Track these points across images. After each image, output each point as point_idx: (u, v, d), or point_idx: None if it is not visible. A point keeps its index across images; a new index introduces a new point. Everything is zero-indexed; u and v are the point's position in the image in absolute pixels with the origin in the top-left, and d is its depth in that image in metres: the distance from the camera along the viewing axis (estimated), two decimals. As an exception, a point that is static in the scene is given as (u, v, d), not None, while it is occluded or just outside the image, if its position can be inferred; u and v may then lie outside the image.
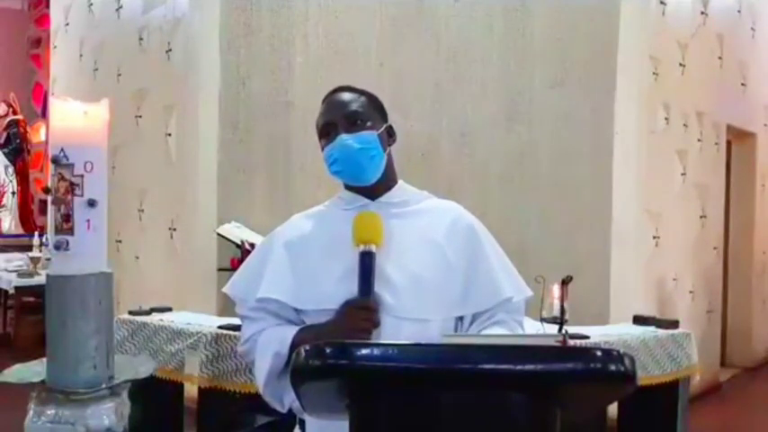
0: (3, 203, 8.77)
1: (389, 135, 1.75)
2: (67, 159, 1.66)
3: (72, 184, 1.66)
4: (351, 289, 1.59)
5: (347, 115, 1.69)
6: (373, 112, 1.73)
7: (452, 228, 1.70)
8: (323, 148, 1.72)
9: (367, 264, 1.58)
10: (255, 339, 1.70)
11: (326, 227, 1.72)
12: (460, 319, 1.68)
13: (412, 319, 1.60)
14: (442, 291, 1.64)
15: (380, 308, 1.58)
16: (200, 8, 4.76)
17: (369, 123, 1.69)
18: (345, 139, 1.66)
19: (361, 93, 1.75)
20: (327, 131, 1.70)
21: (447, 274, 1.65)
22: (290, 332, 1.64)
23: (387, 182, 1.73)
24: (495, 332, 1.64)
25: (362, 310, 1.57)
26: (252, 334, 1.72)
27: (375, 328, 1.57)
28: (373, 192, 1.72)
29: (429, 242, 1.67)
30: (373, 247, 1.58)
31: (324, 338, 1.49)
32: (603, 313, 4.21)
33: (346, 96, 1.73)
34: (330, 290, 1.62)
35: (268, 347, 1.65)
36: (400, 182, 1.77)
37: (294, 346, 1.59)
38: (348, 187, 1.75)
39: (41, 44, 9.26)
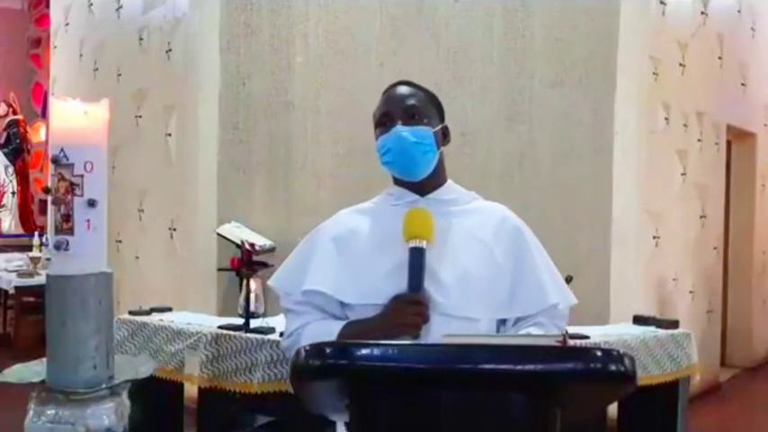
0: (3, 203, 8.77)
1: (444, 136, 1.76)
2: (67, 159, 1.66)
3: (72, 184, 1.66)
4: (399, 284, 1.59)
5: (406, 108, 1.69)
6: (432, 109, 1.74)
7: (500, 228, 1.71)
8: (377, 138, 1.72)
9: (417, 259, 1.58)
10: (300, 333, 1.69)
11: (375, 222, 1.72)
12: (503, 321, 1.69)
13: (460, 317, 1.61)
14: (490, 290, 1.64)
15: (429, 304, 1.58)
16: (200, 8, 4.76)
17: (426, 120, 1.70)
18: (401, 130, 1.67)
19: (422, 89, 1.76)
20: (384, 122, 1.71)
21: (495, 274, 1.65)
22: (337, 326, 1.64)
23: (436, 180, 1.74)
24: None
25: (412, 304, 1.56)
26: (296, 328, 1.71)
27: (424, 323, 1.57)
28: (422, 188, 1.73)
29: (478, 241, 1.68)
30: (424, 243, 1.59)
31: (371, 333, 1.52)
32: (603, 313, 4.21)
33: (407, 90, 1.74)
34: (378, 284, 1.62)
35: (313, 341, 1.64)
36: (449, 181, 1.78)
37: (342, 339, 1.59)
38: (397, 182, 1.76)
39: (41, 44, 9.26)
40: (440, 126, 1.74)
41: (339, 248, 1.69)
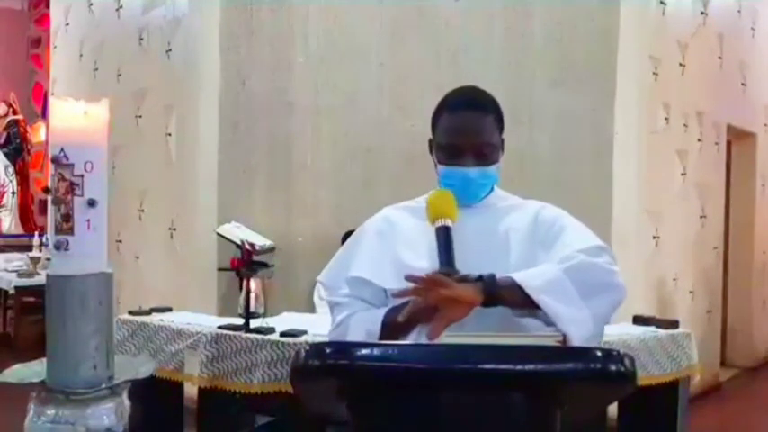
0: (3, 203, 8.77)
1: (501, 150, 1.76)
2: (67, 159, 1.66)
3: (72, 184, 1.65)
4: (436, 266, 1.59)
5: (477, 145, 1.69)
6: (497, 132, 1.73)
7: (534, 221, 1.72)
8: (440, 162, 1.73)
9: (444, 238, 1.59)
10: (347, 323, 1.70)
11: (417, 219, 1.73)
12: None
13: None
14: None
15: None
16: (200, 8, 4.76)
17: (495, 153, 1.71)
18: (470, 173, 1.68)
19: (490, 108, 1.74)
20: (451, 153, 1.70)
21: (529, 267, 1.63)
22: (381, 312, 1.66)
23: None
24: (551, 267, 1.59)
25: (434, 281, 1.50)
26: (343, 318, 1.72)
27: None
28: None
29: (516, 239, 1.69)
30: (449, 221, 1.60)
31: (410, 314, 1.51)
32: (603, 313, 4.20)
33: (477, 119, 1.71)
34: (416, 269, 1.61)
35: (360, 327, 1.66)
36: (496, 188, 1.78)
37: (384, 324, 1.60)
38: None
39: (41, 44, 9.26)
40: (501, 142, 1.74)
41: (382, 241, 1.73)
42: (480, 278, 1.54)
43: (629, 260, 4.52)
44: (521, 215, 1.74)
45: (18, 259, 7.25)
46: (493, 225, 1.72)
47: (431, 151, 1.78)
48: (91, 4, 6.09)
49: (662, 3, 4.91)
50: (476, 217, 1.70)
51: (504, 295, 1.53)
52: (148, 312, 3.44)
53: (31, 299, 6.71)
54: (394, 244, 1.72)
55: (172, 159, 5.00)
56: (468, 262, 1.58)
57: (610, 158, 4.42)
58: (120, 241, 5.45)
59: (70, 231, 1.66)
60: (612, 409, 3.47)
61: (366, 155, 4.48)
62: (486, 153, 1.70)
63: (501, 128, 1.76)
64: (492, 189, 1.77)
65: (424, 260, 1.64)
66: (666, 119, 4.98)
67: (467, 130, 1.70)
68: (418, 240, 1.69)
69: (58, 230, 1.69)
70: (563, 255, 1.62)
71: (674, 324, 3.47)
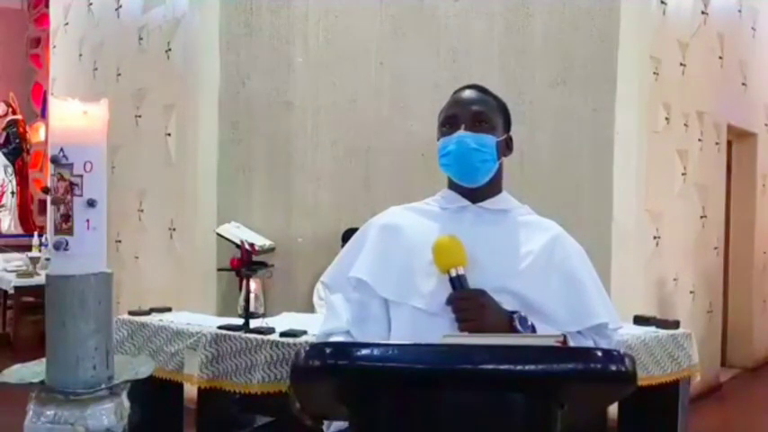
0: (2, 203, 8.77)
1: (507, 146, 1.76)
2: (67, 159, 1.66)
3: (71, 183, 1.65)
4: (435, 285, 1.60)
5: (473, 114, 1.69)
6: (499, 118, 1.74)
7: (551, 244, 1.71)
8: (439, 138, 1.72)
9: (460, 285, 1.58)
10: (326, 340, 1.68)
11: (422, 221, 1.73)
12: None
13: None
14: (531, 302, 1.63)
15: None
16: (199, 8, 4.76)
17: (491, 128, 1.71)
18: (464, 136, 1.67)
19: (492, 96, 1.76)
20: (449, 124, 1.71)
21: (540, 289, 1.64)
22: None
23: (491, 188, 1.74)
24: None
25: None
26: (329, 332, 1.71)
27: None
28: (475, 195, 1.73)
29: (523, 255, 1.67)
30: (461, 269, 1.59)
31: None
32: (604, 313, 4.20)
33: (476, 95, 1.74)
34: (416, 283, 1.62)
35: None
36: (504, 192, 1.78)
37: None
38: (452, 186, 1.76)
39: (41, 44, 9.26)
40: (504, 136, 1.75)
41: (385, 241, 1.70)
42: (514, 313, 1.58)
43: (629, 260, 4.52)
44: (533, 233, 1.73)
45: (17, 259, 7.24)
46: (508, 234, 1.70)
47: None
48: (90, 4, 6.09)
49: (662, 3, 4.91)
50: (492, 226, 1.69)
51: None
52: (148, 312, 3.43)
53: (31, 299, 6.70)
54: (395, 250, 1.69)
55: (171, 159, 5.00)
56: (480, 263, 1.59)
57: (610, 158, 4.42)
58: (119, 241, 5.44)
59: (70, 231, 1.66)
60: (612, 409, 3.46)
61: (366, 155, 4.47)
62: (482, 121, 1.69)
63: (506, 124, 1.77)
64: (495, 184, 1.74)
65: (424, 278, 1.63)
66: (667, 119, 4.98)
67: (464, 100, 1.72)
68: (417, 248, 1.66)
69: (57, 230, 1.69)
70: (591, 325, 1.67)
71: (674, 324, 3.46)
